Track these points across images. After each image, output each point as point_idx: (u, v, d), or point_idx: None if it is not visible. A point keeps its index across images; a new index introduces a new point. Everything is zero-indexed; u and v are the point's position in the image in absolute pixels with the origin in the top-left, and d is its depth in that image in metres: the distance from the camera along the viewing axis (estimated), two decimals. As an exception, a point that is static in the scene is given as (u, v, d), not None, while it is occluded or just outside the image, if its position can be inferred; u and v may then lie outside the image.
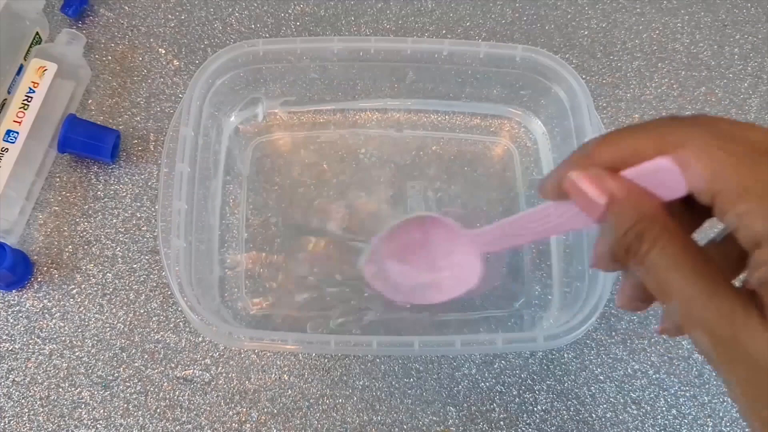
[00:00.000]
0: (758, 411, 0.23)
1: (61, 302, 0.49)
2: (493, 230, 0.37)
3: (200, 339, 0.48)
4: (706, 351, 0.24)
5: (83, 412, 0.46)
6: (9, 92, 0.52)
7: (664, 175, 0.25)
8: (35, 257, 0.50)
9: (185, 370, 0.47)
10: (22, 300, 0.49)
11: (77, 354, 0.47)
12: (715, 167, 0.23)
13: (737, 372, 0.23)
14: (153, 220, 0.51)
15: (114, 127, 0.53)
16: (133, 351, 0.48)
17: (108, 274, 0.49)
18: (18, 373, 0.47)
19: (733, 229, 0.23)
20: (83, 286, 0.49)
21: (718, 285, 0.23)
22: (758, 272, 0.22)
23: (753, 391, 0.22)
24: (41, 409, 0.46)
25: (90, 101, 0.54)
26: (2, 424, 0.46)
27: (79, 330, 0.48)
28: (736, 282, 0.24)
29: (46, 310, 0.49)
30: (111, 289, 0.49)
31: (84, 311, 0.48)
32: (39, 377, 0.47)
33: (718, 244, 0.27)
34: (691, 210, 0.26)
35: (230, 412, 0.47)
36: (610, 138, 0.27)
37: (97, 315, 0.48)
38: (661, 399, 0.48)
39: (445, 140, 0.54)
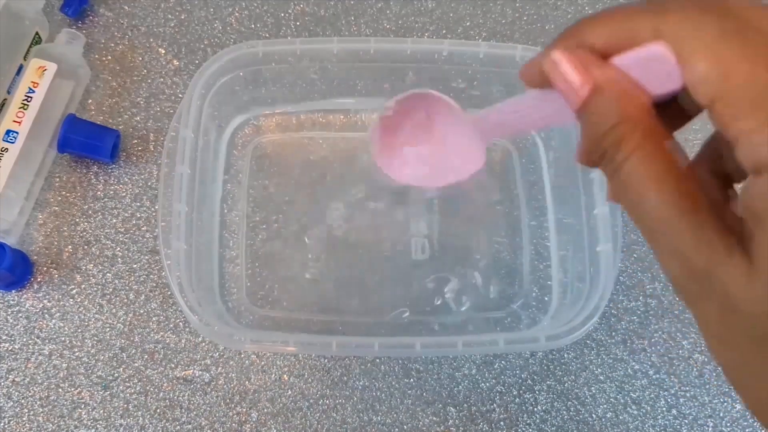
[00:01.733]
0: (725, 352, 0.21)
1: (61, 302, 0.49)
2: (491, 115, 0.34)
3: (200, 339, 0.48)
4: (677, 282, 0.21)
5: (83, 413, 0.46)
6: (9, 92, 0.52)
7: (658, 66, 0.21)
8: (35, 257, 0.50)
9: (185, 370, 0.47)
10: (21, 300, 0.49)
11: (77, 354, 0.47)
12: (722, 68, 0.19)
13: (709, 309, 0.21)
14: (153, 221, 0.51)
15: (114, 127, 0.52)
16: (133, 351, 0.48)
17: (108, 274, 0.49)
18: (18, 374, 0.47)
19: (732, 142, 0.19)
20: (83, 286, 0.49)
21: (699, 210, 0.20)
22: (753, 202, 0.19)
23: (723, 331, 0.20)
24: (41, 410, 0.46)
25: (90, 101, 0.54)
26: (2, 424, 0.46)
27: (79, 330, 0.48)
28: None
29: (45, 311, 0.48)
30: (111, 290, 0.49)
31: (84, 311, 0.48)
32: (39, 377, 0.47)
33: (704, 150, 0.24)
34: (675, 106, 0.23)
35: (230, 413, 0.47)
36: (602, 16, 0.22)
37: (96, 315, 0.48)
38: (662, 399, 0.48)
39: (446, 140, 0.54)
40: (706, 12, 0.20)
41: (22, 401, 0.46)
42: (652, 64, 0.21)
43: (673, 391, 0.48)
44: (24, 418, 0.46)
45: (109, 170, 0.52)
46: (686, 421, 0.48)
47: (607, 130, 0.21)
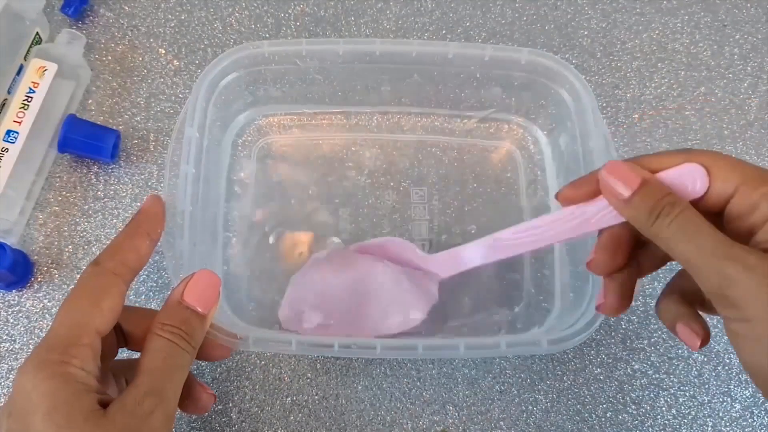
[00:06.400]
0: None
1: (61, 302, 0.48)
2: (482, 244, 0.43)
3: (201, 339, 0.48)
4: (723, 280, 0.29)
5: (84, 413, 0.46)
6: (9, 92, 0.52)
7: (688, 178, 0.31)
8: (35, 257, 0.50)
9: (186, 370, 0.47)
10: (22, 300, 0.49)
11: (78, 355, 0.47)
12: (741, 172, 0.31)
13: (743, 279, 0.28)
14: (153, 221, 0.51)
15: (114, 127, 0.52)
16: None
17: (109, 274, 0.49)
18: (19, 374, 0.47)
19: (750, 211, 0.30)
20: (84, 286, 0.49)
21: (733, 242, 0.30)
22: None
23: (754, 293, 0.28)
24: (42, 410, 0.46)
25: (90, 101, 0.54)
26: (3, 424, 0.45)
27: (80, 331, 0.48)
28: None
29: (46, 310, 0.48)
30: (112, 290, 0.49)
31: (85, 312, 0.48)
32: (40, 378, 0.47)
33: None
34: None
35: (230, 413, 0.47)
36: (634, 159, 0.33)
37: (97, 315, 0.48)
38: (661, 399, 0.48)
39: (447, 143, 0.54)
40: (720, 153, 0.32)
41: (23, 402, 0.46)
42: (683, 178, 0.31)
43: (672, 391, 0.48)
44: (25, 419, 0.46)
45: (110, 170, 0.52)
46: (686, 420, 0.48)
47: (661, 197, 0.31)
